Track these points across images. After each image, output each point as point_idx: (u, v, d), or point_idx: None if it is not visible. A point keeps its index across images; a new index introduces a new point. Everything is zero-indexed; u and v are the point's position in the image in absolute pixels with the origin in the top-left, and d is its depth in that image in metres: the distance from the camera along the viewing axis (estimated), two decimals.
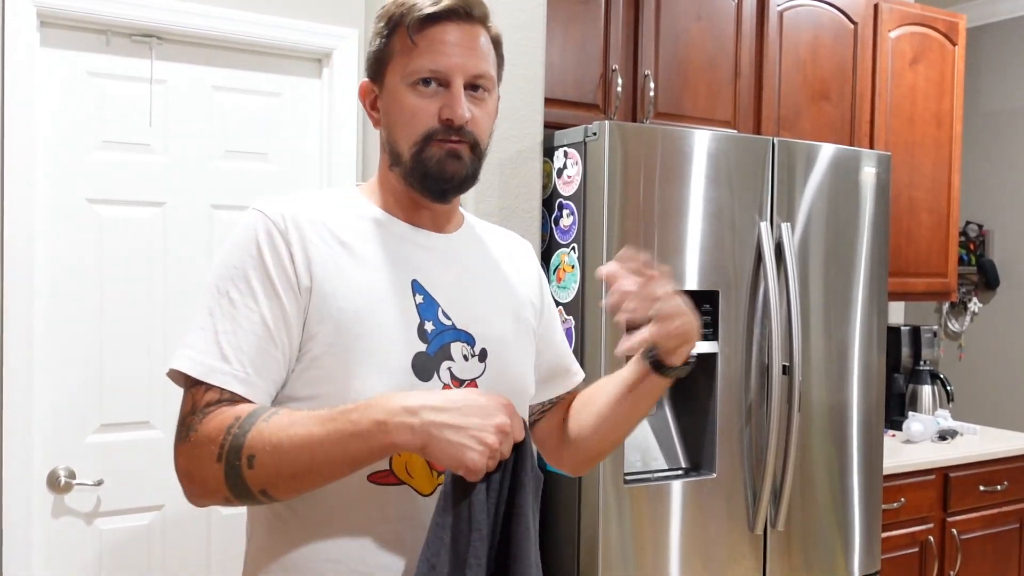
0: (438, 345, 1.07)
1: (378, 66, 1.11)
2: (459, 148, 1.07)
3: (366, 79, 1.13)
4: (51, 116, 2.03)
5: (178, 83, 2.18)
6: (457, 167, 1.07)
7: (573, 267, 1.98)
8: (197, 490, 1.00)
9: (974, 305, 4.11)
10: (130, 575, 2.12)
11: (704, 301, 2.04)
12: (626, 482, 1.94)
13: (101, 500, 2.08)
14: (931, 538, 2.73)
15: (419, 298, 1.07)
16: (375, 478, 1.03)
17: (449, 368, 1.08)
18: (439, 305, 1.09)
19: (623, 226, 1.93)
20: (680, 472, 2.08)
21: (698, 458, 2.10)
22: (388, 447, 0.93)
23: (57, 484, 2.02)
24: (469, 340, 1.10)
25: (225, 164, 2.24)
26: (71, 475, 2.03)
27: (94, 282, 2.07)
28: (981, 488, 2.87)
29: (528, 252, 1.30)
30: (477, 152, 1.09)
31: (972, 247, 4.11)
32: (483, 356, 1.11)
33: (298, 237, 1.03)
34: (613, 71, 2.34)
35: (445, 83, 1.06)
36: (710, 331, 2.05)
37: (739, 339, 2.09)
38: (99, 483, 2.04)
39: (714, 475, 2.05)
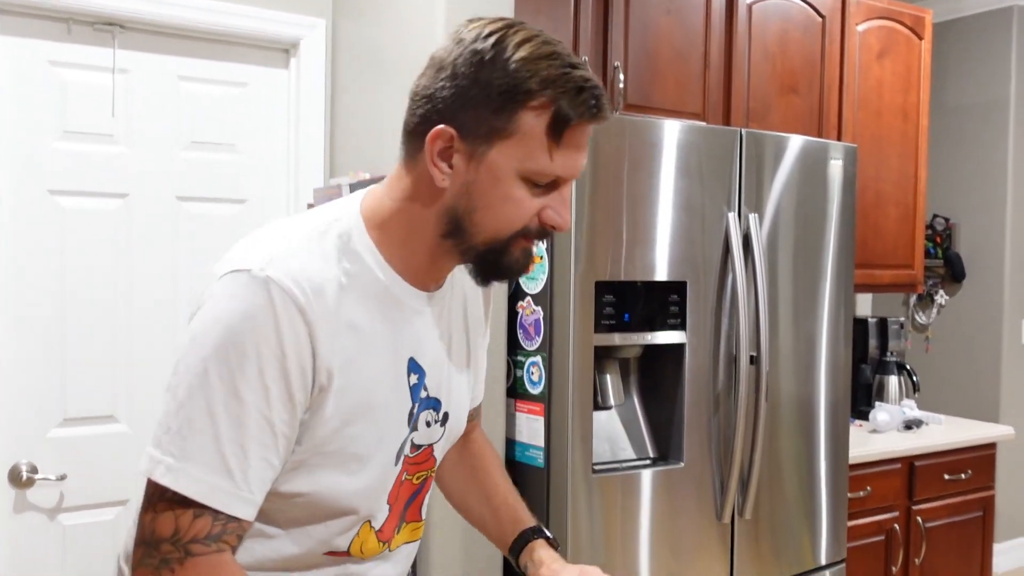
0: (414, 422, 1.03)
1: (479, 127, 0.90)
2: (534, 246, 0.98)
3: (446, 127, 0.91)
4: (11, 106, 1.99)
5: (142, 72, 2.15)
6: (528, 264, 0.99)
7: (541, 258, 1.98)
8: None
9: (941, 297, 4.17)
10: (94, 571, 2.09)
11: (672, 292, 2.05)
12: (595, 471, 1.95)
13: (64, 495, 2.05)
14: (897, 526, 2.77)
15: (413, 378, 1.00)
16: (331, 555, 1.02)
17: (412, 439, 1.03)
18: (424, 378, 1.02)
19: (592, 216, 1.93)
20: (648, 461, 2.09)
21: (666, 448, 2.11)
22: None
23: (19, 479, 1.99)
24: (436, 406, 1.06)
25: (190, 155, 2.22)
26: (33, 470, 2.00)
27: (56, 274, 2.04)
28: (946, 477, 2.91)
29: None
30: None
31: (939, 240, 4.16)
32: (444, 420, 1.08)
33: (323, 322, 0.89)
34: (582, 62, 2.34)
35: (556, 185, 0.94)
36: (678, 321, 2.06)
37: (707, 330, 2.10)
38: (62, 478, 2.01)
39: (682, 464, 2.06)
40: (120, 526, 2.11)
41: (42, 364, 2.02)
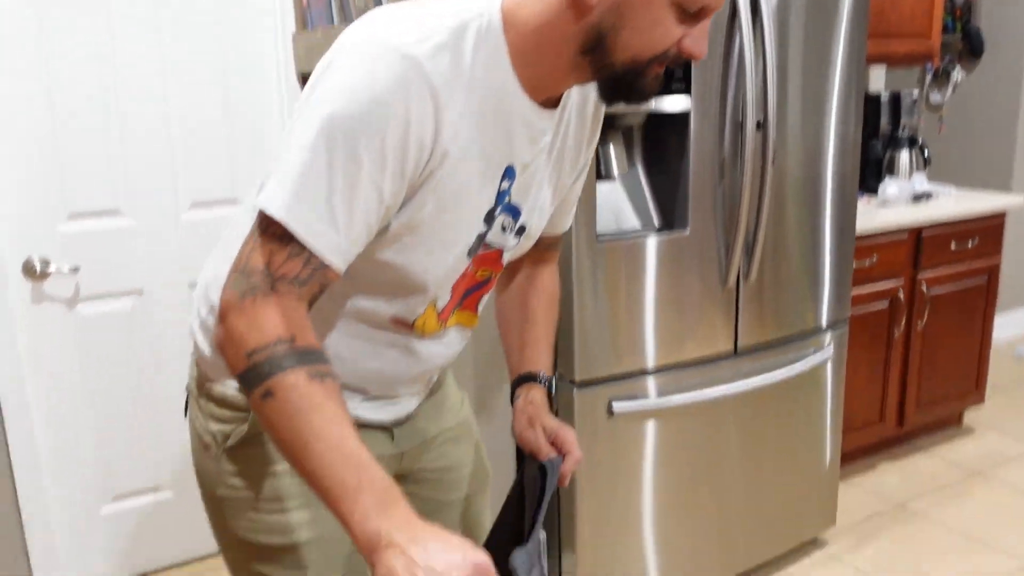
0: (492, 221, 1.06)
1: None
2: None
3: None
4: None
5: None
6: (656, 89, 1.00)
7: None
8: (218, 343, 0.92)
9: (957, 74, 4.02)
10: (111, 358, 2.17)
11: None
12: (599, 241, 1.96)
13: (80, 286, 2.09)
14: (901, 292, 2.81)
15: (505, 184, 1.03)
16: (397, 322, 1.07)
17: (486, 237, 1.06)
18: (512, 185, 1.05)
19: None
20: (653, 230, 2.09)
21: (671, 217, 2.10)
22: (349, 524, 0.85)
23: (33, 272, 2.02)
24: (516, 215, 1.08)
25: None
26: (46, 263, 2.03)
27: (39, 62, 1.97)
28: (953, 246, 2.92)
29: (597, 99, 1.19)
30: None
31: (959, 14, 3.96)
32: (520, 232, 1.10)
33: (449, 110, 0.92)
34: None
35: (700, 16, 0.95)
36: (682, 86, 1.99)
37: (713, 94, 2.04)
38: (75, 270, 2.04)
39: (687, 232, 2.06)
40: (135, 316, 2.18)
41: (36, 159, 2.00)
